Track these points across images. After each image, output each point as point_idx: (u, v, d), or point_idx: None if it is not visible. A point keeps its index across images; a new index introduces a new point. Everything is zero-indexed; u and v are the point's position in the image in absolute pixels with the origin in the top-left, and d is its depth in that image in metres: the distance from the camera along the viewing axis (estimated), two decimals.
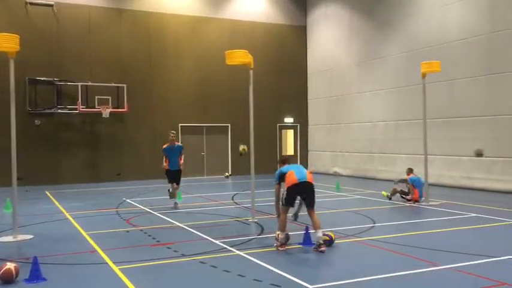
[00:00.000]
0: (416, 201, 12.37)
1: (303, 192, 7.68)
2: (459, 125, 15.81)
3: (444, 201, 12.48)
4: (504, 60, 14.40)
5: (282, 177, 7.84)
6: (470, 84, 15.44)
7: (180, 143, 13.47)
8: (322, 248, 7.25)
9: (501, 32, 14.47)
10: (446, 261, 6.67)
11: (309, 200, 7.68)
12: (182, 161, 12.40)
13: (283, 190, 7.74)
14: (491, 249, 7.33)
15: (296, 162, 8.48)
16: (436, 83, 15.75)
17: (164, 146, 12.29)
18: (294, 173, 7.64)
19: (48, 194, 15.39)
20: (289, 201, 7.67)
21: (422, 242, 7.93)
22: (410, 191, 12.50)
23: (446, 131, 16.19)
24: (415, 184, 12.45)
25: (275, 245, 7.55)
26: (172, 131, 12.77)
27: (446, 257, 6.98)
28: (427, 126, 12.70)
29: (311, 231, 7.83)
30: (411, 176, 12.72)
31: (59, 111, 18.73)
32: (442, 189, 15.24)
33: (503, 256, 6.89)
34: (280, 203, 7.77)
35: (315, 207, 7.76)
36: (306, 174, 7.70)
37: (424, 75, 12.50)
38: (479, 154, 13.04)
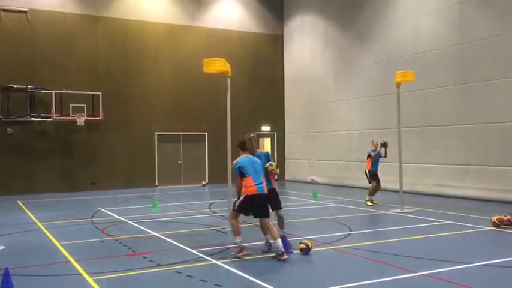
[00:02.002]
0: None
1: (257, 205, 7.54)
2: (432, 133, 16.11)
3: (418, 209, 12.67)
4: (474, 70, 14.76)
5: (241, 174, 7.56)
6: (442, 94, 15.78)
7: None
8: (285, 257, 7.25)
9: (471, 43, 14.85)
10: (421, 268, 6.76)
11: (263, 212, 7.61)
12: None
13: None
14: (464, 256, 7.47)
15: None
16: (410, 92, 16.04)
17: (369, 149, 14.02)
18: (253, 180, 7.49)
19: (21, 204, 15.05)
20: (242, 211, 7.63)
21: (397, 249, 8.03)
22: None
23: (420, 139, 16.48)
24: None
25: (232, 253, 7.53)
26: (374, 140, 14.26)
27: (420, 263, 7.07)
28: (401, 135, 12.90)
29: (287, 239, 7.85)
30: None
31: (32, 119, 18.39)
32: (416, 196, 15.48)
33: (476, 262, 7.02)
34: (232, 207, 7.73)
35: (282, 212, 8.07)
36: (263, 183, 7.60)
37: (398, 85, 12.71)
38: (384, 145, 13.62)
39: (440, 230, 9.81)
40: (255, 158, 7.83)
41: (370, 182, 13.96)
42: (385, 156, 13.90)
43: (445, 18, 15.77)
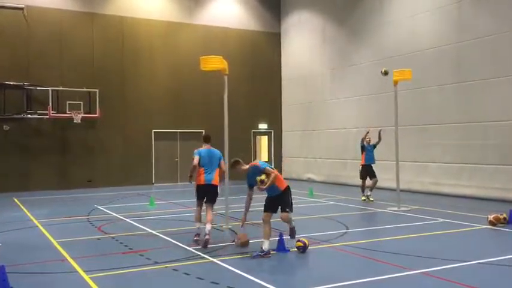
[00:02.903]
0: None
1: (204, 193, 8.60)
2: (429, 132, 16.14)
3: (415, 207, 12.70)
4: (472, 68, 14.79)
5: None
6: (440, 92, 15.80)
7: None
8: (202, 238, 7.90)
9: (469, 42, 14.87)
10: (417, 266, 6.78)
11: (210, 199, 8.57)
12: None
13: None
14: (460, 254, 7.49)
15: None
16: (408, 91, 16.06)
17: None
18: (203, 171, 8.42)
19: (17, 202, 15.01)
20: (198, 197, 8.63)
21: (393, 247, 8.04)
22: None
23: (417, 137, 16.51)
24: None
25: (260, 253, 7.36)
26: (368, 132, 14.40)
27: (417, 262, 7.09)
28: (398, 133, 12.92)
29: (285, 237, 7.86)
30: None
31: (29, 116, 18.31)
32: (412, 194, 15.51)
33: (472, 261, 7.04)
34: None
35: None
36: (214, 174, 8.47)
37: (395, 83, 12.72)
38: (385, 73, 12.89)
39: (437, 228, 9.84)
40: (215, 151, 8.85)
41: (362, 178, 14.27)
42: (379, 140, 14.18)
43: (442, 16, 15.77)
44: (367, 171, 14.23)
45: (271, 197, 7.68)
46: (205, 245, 7.93)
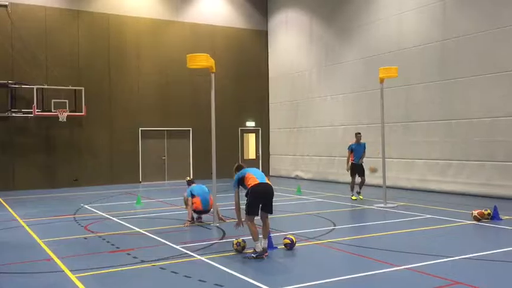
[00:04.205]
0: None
1: (265, 193, 7.45)
2: (415, 129, 16.28)
3: (401, 203, 12.81)
4: (456, 66, 14.94)
5: (240, 181, 7.62)
6: (425, 89, 15.94)
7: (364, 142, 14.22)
8: (266, 254, 7.30)
9: (453, 39, 15.03)
10: (403, 261, 6.84)
11: (269, 206, 7.51)
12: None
13: (247, 198, 7.47)
14: (446, 250, 7.58)
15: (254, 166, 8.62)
16: (394, 88, 16.18)
17: (350, 143, 14.08)
18: (253, 174, 7.54)
19: (2, 201, 14.82)
20: (253, 209, 7.35)
21: (380, 243, 8.11)
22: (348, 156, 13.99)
23: (403, 134, 16.64)
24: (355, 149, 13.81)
25: (253, 255, 7.22)
26: (359, 132, 14.38)
27: (403, 257, 7.16)
28: (385, 130, 13.01)
29: (272, 234, 7.87)
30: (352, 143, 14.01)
31: (13, 115, 18.09)
32: (399, 191, 15.64)
33: (457, 256, 7.13)
34: (245, 212, 7.42)
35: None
36: (265, 177, 7.67)
37: (382, 81, 12.80)
38: (373, 170, 13.87)
39: (423, 224, 9.93)
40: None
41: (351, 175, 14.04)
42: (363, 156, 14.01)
43: (427, 14, 15.90)
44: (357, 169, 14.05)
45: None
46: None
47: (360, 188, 14.04)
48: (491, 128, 13.92)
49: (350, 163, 14.01)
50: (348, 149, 14.09)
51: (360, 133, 14.24)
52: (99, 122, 19.72)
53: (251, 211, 7.34)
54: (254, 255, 7.19)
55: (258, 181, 7.45)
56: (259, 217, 7.53)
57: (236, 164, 8.08)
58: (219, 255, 7.39)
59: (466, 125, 14.64)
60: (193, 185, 10.53)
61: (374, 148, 15.54)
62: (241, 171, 7.75)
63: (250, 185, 7.43)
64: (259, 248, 7.21)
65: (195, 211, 10.22)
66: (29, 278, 6.49)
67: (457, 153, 14.94)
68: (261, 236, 7.44)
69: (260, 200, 7.43)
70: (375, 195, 14.06)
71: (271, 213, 7.59)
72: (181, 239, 8.62)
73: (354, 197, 13.79)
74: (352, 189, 14.01)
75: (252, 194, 7.39)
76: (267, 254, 7.33)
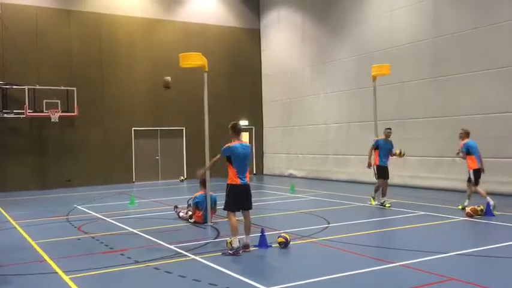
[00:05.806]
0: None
1: (245, 195, 7.62)
2: (408, 126, 16.32)
3: (394, 200, 12.84)
4: (448, 63, 15.00)
5: (227, 158, 7.59)
6: (418, 87, 15.99)
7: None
8: (248, 250, 7.44)
9: (444, 37, 15.08)
10: (398, 258, 6.86)
11: (248, 203, 7.69)
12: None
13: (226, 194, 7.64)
14: (439, 246, 7.61)
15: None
16: (386, 86, 16.21)
17: (376, 139, 12.36)
18: (237, 168, 7.51)
19: None
20: (232, 206, 7.54)
21: (374, 240, 8.13)
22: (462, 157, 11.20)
23: (396, 132, 16.60)
24: (471, 151, 11.01)
25: (230, 252, 7.29)
26: (389, 127, 12.53)
27: (398, 254, 7.18)
28: (378, 128, 13.03)
29: (266, 233, 7.87)
30: (466, 140, 11.14)
31: (5, 115, 17.94)
32: (392, 188, 15.61)
33: (451, 252, 7.16)
34: (224, 208, 7.67)
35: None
36: (247, 170, 7.71)
37: (374, 78, 12.83)
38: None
39: (416, 221, 9.97)
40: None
41: (377, 178, 12.30)
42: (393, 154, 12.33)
43: (419, 11, 15.95)
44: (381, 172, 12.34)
45: None
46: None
47: (385, 194, 12.19)
48: (482, 124, 13.97)
49: (375, 165, 12.22)
50: (374, 144, 12.27)
51: (390, 128, 12.46)
52: (92, 122, 19.61)
53: (230, 208, 7.59)
54: (231, 252, 7.27)
55: (239, 182, 7.53)
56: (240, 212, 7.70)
57: (232, 123, 8.07)
58: (214, 255, 7.38)
59: (458, 122, 14.63)
60: (203, 192, 10.13)
61: (365, 145, 15.54)
62: (232, 149, 7.60)
63: (231, 183, 7.56)
64: (236, 244, 7.28)
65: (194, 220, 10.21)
66: (22, 280, 6.44)
67: (448, 150, 14.96)
68: (242, 234, 7.53)
69: (239, 200, 7.60)
70: (368, 193, 14.06)
71: (250, 208, 7.74)
72: (175, 239, 8.60)
73: (373, 202, 12.39)
74: (376, 191, 12.43)
75: (231, 194, 7.60)
76: (248, 250, 7.40)
